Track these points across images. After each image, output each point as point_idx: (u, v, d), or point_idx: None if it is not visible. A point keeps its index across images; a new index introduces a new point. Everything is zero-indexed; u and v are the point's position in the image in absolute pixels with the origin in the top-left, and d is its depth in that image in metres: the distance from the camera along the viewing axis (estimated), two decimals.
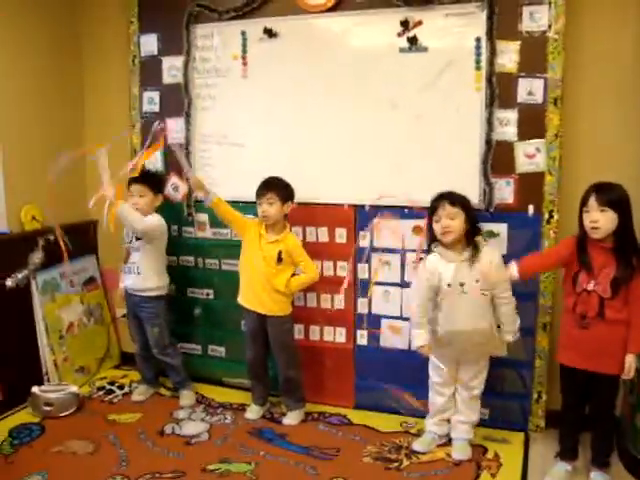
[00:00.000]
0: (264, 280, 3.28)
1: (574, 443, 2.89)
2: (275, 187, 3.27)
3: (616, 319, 2.63)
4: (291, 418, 3.40)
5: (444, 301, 2.93)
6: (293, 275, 3.34)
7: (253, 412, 3.47)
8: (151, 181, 3.57)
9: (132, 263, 3.56)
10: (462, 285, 2.88)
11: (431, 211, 2.97)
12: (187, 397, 3.64)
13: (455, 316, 2.91)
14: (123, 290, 3.66)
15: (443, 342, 2.99)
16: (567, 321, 2.79)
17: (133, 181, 3.53)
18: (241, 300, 3.41)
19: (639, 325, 2.63)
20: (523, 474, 2.89)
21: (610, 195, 2.59)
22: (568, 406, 2.89)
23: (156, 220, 3.53)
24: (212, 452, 3.08)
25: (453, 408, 3.11)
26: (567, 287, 2.77)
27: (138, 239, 3.53)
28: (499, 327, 2.95)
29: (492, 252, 2.95)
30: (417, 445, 3.12)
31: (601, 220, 2.58)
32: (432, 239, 3.01)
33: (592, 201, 2.60)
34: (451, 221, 2.89)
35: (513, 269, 2.82)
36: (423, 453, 3.07)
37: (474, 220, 2.95)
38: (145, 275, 3.53)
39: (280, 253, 3.26)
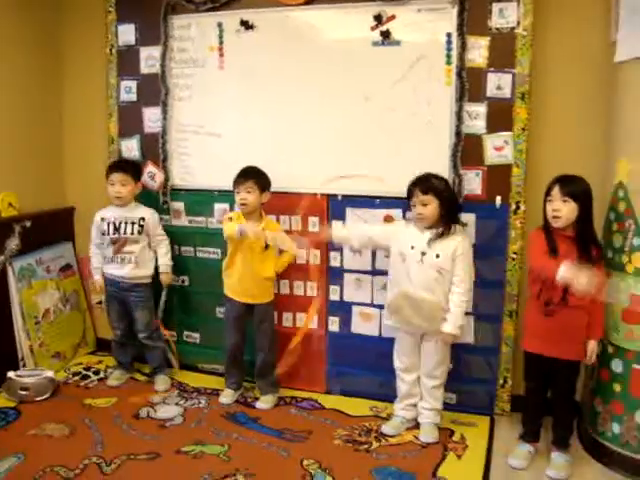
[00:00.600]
0: (252, 270, 3.36)
1: (536, 426, 3.00)
2: (254, 176, 3.34)
3: (578, 305, 2.72)
4: (265, 402, 3.47)
5: (402, 265, 3.04)
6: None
7: (228, 396, 3.53)
8: (132, 169, 3.62)
9: (128, 253, 3.58)
10: (423, 254, 2.99)
11: (408, 195, 3.06)
12: (163, 382, 3.69)
13: (409, 280, 3.02)
14: (101, 280, 3.66)
15: (392, 308, 3.09)
16: (532, 308, 2.89)
17: (113, 170, 3.56)
18: (228, 292, 3.46)
19: (599, 311, 2.78)
20: (487, 455, 2.99)
21: (573, 186, 2.70)
22: (531, 391, 2.99)
23: (160, 226, 3.71)
24: (186, 435, 3.14)
25: (419, 394, 3.20)
26: (533, 274, 2.86)
27: (140, 232, 3.58)
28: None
29: (462, 240, 3.03)
30: (386, 428, 3.20)
31: (563, 209, 2.69)
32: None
33: (555, 191, 2.72)
34: (423, 207, 2.99)
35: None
36: (392, 436, 3.15)
37: (450, 206, 3.02)
38: (142, 264, 3.60)
39: (266, 240, 3.34)
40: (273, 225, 3.46)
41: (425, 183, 3.01)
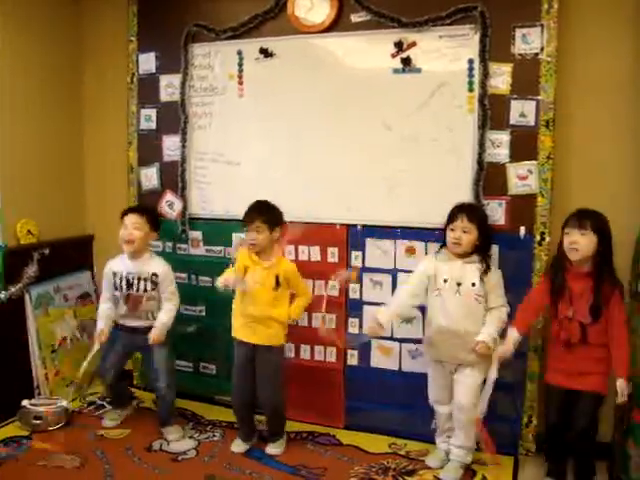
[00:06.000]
0: (262, 309, 3.13)
1: (561, 465, 2.90)
2: (263, 214, 3.13)
3: (599, 342, 2.70)
4: (275, 448, 3.28)
5: (438, 297, 2.95)
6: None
7: (239, 446, 3.30)
8: (148, 214, 3.42)
9: (145, 311, 3.38)
10: (459, 285, 2.91)
11: (450, 218, 2.98)
12: (175, 431, 3.41)
13: (447, 313, 2.93)
14: (107, 330, 3.38)
15: (432, 341, 3.02)
16: (553, 345, 2.87)
17: (128, 212, 3.39)
18: (235, 333, 3.25)
19: (622, 349, 2.67)
20: None
21: (591, 219, 2.67)
22: (552, 426, 2.90)
23: (173, 283, 3.44)
24: (198, 469, 3.06)
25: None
26: (550, 313, 2.86)
27: (154, 289, 3.36)
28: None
29: (498, 272, 2.99)
30: (430, 461, 3.14)
31: (581, 242, 2.65)
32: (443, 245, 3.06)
33: (573, 223, 2.69)
34: (464, 234, 2.91)
35: (513, 334, 2.84)
36: (438, 468, 3.07)
37: (486, 238, 2.97)
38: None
39: (277, 277, 3.14)
40: (286, 264, 3.22)
41: (473, 210, 2.97)
